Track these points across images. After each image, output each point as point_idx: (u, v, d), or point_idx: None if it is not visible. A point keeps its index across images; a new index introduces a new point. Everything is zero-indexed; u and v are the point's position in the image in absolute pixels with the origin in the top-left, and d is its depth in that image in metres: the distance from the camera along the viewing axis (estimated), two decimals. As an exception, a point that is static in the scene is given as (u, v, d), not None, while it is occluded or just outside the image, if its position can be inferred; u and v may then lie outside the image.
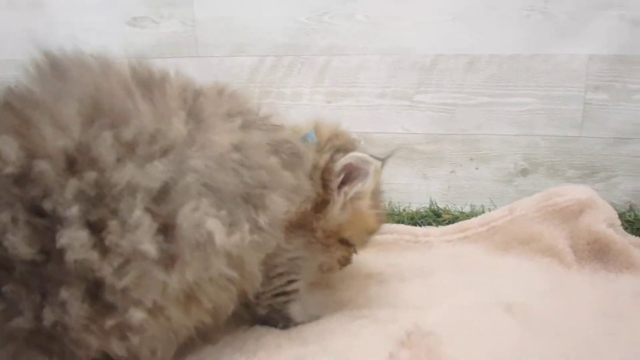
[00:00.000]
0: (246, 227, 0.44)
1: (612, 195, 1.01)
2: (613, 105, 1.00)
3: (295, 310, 0.60)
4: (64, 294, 0.36)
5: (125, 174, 0.38)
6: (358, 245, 0.65)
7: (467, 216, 1.00)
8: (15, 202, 0.35)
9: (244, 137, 0.46)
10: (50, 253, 0.36)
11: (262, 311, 0.59)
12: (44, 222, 0.36)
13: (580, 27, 0.99)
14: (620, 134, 1.00)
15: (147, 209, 0.38)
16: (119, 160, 0.38)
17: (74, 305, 0.37)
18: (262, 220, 0.46)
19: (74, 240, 0.36)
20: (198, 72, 1.14)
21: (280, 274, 0.57)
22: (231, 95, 0.51)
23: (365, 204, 0.58)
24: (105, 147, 0.38)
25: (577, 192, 0.82)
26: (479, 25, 1.01)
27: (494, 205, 1.04)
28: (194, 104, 0.45)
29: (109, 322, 0.39)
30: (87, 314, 0.38)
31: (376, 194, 0.63)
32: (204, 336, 0.51)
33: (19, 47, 1.19)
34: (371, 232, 0.65)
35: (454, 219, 1.00)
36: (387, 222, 0.99)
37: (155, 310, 0.41)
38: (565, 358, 0.51)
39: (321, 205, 0.57)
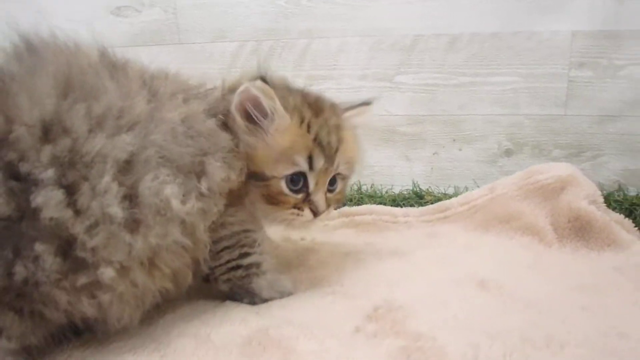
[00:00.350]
0: (193, 194, 0.47)
1: (600, 174, 0.97)
2: (598, 82, 0.96)
3: (259, 285, 0.57)
4: (38, 247, 0.39)
5: (96, 144, 0.41)
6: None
7: (450, 197, 0.97)
8: None
9: (187, 110, 0.49)
10: (25, 212, 0.39)
11: (223, 286, 0.57)
12: (19, 184, 0.39)
13: (563, 2, 0.95)
14: (606, 112, 0.96)
15: (115, 177, 0.42)
16: (90, 131, 0.42)
17: (47, 259, 0.39)
18: (204, 186, 0.48)
19: (50, 199, 0.39)
20: (181, 58, 1.12)
21: (228, 247, 0.56)
22: (174, 76, 0.54)
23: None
24: (78, 118, 0.41)
25: (558, 169, 0.79)
26: (459, 4, 0.98)
27: (478, 186, 1.00)
28: (152, 85, 0.49)
29: (81, 280, 0.41)
30: (60, 268, 0.40)
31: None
32: (171, 305, 0.53)
33: (3, 36, 1.19)
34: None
35: (436, 201, 0.96)
36: (368, 203, 0.97)
37: (122, 271, 0.43)
38: (534, 328, 0.48)
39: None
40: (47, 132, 0.40)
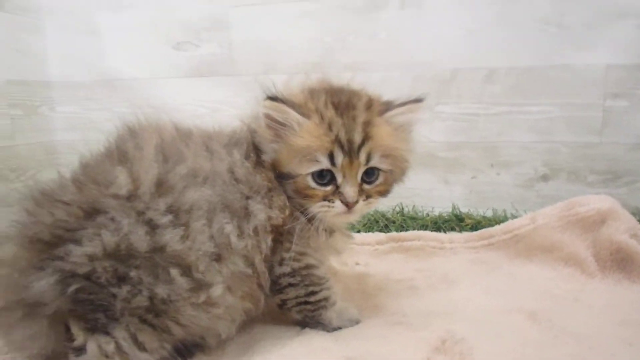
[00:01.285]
0: (246, 232, 0.56)
1: (636, 199, 0.97)
2: (633, 112, 0.96)
3: (328, 317, 0.62)
4: (172, 272, 0.50)
5: (191, 196, 0.53)
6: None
7: (489, 220, 0.99)
8: (130, 212, 0.50)
9: (229, 160, 0.58)
10: (156, 246, 0.50)
11: (296, 315, 0.62)
12: (148, 226, 0.50)
13: (597, 37, 0.95)
14: (642, 140, 0.97)
15: (205, 221, 0.53)
16: (184, 187, 0.53)
17: (179, 280, 0.50)
18: (251, 226, 0.56)
19: (173, 237, 0.50)
20: (234, 88, 1.17)
21: (293, 285, 0.60)
22: (218, 133, 0.63)
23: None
24: (176, 178, 0.54)
25: (598, 201, 0.80)
26: (495, 40, 0.99)
27: (515, 209, 1.02)
28: (208, 144, 0.59)
29: (201, 297, 0.52)
30: (188, 287, 0.51)
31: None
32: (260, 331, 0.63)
33: (75, 69, 1.26)
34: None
35: (476, 224, 0.99)
36: (412, 227, 1.00)
37: (224, 291, 0.54)
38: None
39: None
40: (159, 188, 0.52)
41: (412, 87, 1.06)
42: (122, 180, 0.51)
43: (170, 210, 0.51)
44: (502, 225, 0.88)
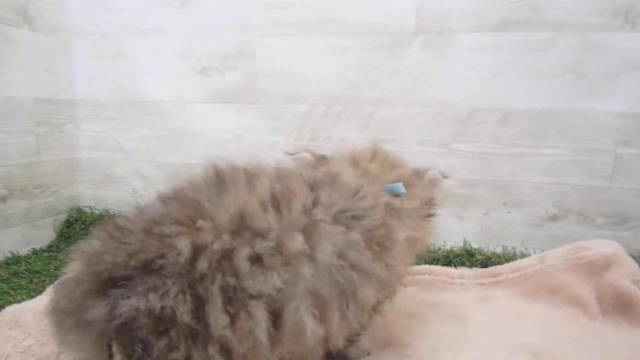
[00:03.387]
0: (336, 317, 0.53)
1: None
2: (643, 159, 1.04)
3: (352, 350, 0.69)
4: (210, 350, 0.47)
5: (254, 284, 0.48)
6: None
7: (499, 257, 1.07)
8: (184, 281, 0.47)
9: (346, 241, 0.54)
10: (200, 320, 0.47)
11: None
12: (198, 301, 0.47)
13: (611, 85, 1.04)
14: (649, 186, 1.05)
15: (265, 309, 0.49)
16: (250, 272, 0.49)
17: (217, 359, 0.47)
18: (350, 311, 0.54)
19: (218, 321, 0.47)
20: (257, 116, 1.26)
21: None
22: (338, 184, 0.60)
23: None
24: (243, 258, 0.49)
25: (603, 246, 0.88)
26: (513, 83, 1.08)
27: (525, 247, 1.10)
28: (311, 216, 0.54)
29: None
30: None
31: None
32: None
33: (105, 91, 1.36)
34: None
35: (486, 259, 1.07)
36: (425, 259, 1.08)
37: None
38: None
39: None
40: (220, 265, 0.48)
41: (431, 124, 1.15)
42: (183, 248, 0.47)
43: (223, 292, 0.47)
44: (510, 264, 0.96)
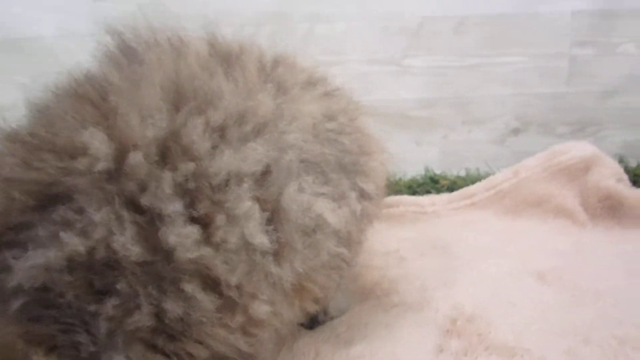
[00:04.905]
0: (353, 195, 0.40)
1: (601, 148, 0.97)
2: (598, 60, 0.96)
3: (331, 304, 0.52)
4: (186, 287, 0.30)
5: (224, 162, 0.32)
6: None
7: (464, 180, 0.95)
8: (113, 199, 0.30)
9: (331, 104, 0.42)
10: (158, 252, 0.30)
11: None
12: (144, 219, 0.30)
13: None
14: (607, 87, 0.96)
15: (255, 198, 0.33)
16: (213, 147, 0.33)
17: (201, 298, 0.31)
18: (368, 186, 0.42)
19: (185, 238, 0.30)
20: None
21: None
22: (301, 64, 0.46)
23: None
24: (196, 134, 0.32)
25: (579, 149, 0.78)
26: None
27: (489, 167, 0.99)
28: (275, 75, 0.40)
29: (238, 318, 0.33)
30: (219, 305, 0.32)
31: None
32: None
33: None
34: None
35: (451, 185, 0.94)
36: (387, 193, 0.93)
37: (274, 305, 0.35)
38: (620, 325, 0.46)
39: None
40: (165, 156, 0.31)
41: (378, 39, 0.97)
42: (99, 147, 0.30)
43: (180, 191, 0.31)
44: (483, 182, 0.83)
